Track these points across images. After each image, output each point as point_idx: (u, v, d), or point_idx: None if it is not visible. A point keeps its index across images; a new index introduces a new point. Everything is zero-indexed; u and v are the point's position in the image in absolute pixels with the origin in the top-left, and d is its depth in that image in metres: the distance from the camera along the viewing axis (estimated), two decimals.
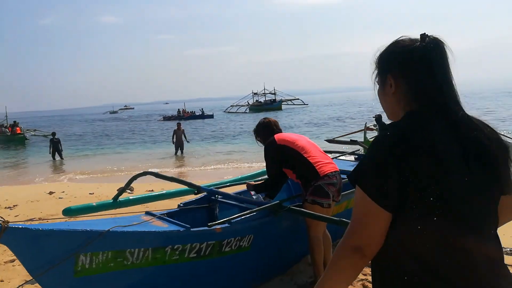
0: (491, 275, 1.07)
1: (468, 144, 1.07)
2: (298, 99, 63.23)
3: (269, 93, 63.50)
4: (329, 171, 3.22)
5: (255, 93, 64.15)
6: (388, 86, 1.20)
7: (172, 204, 5.88)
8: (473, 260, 1.05)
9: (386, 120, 14.00)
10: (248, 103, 62.15)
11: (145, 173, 4.06)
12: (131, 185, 4.77)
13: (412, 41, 1.17)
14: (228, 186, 4.33)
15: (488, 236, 1.10)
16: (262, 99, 62.26)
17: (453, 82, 1.16)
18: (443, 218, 1.03)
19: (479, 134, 1.10)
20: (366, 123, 13.21)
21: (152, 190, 8.02)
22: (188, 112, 51.84)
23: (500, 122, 21.87)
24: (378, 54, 1.24)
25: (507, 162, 1.13)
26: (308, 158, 3.23)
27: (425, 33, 1.17)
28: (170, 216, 3.21)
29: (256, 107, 57.83)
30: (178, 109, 53.24)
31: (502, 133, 13.84)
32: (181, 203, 3.58)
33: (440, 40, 1.16)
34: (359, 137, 14.36)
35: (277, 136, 3.44)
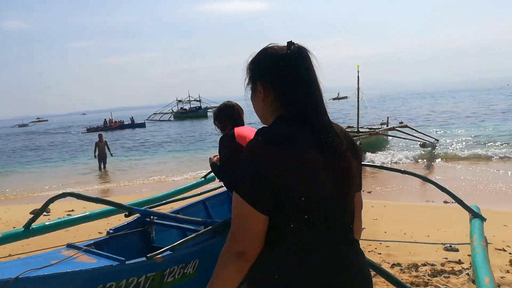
0: (352, 270, 1.19)
1: (328, 149, 1.17)
2: None
3: (194, 100, 62.66)
4: None
5: (180, 101, 62.91)
6: (258, 93, 1.25)
7: (100, 225, 5.27)
8: (336, 257, 1.17)
9: None
10: (172, 110, 60.71)
11: (64, 195, 3.48)
12: (48, 207, 4.14)
13: (279, 49, 1.22)
14: (164, 203, 3.89)
15: (350, 231, 1.23)
16: (187, 107, 61.21)
17: (319, 88, 1.22)
18: (312, 217, 1.13)
19: (338, 139, 1.20)
20: None
21: (73, 211, 7.21)
22: (115, 121, 48.86)
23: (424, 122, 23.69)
24: (249, 60, 1.27)
25: (359, 164, 1.28)
26: None
27: (291, 41, 1.21)
28: (98, 246, 2.71)
29: (181, 115, 56.69)
30: (105, 119, 49.71)
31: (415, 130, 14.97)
32: (111, 229, 3.07)
33: (305, 48, 1.21)
34: None
35: (237, 131, 2.88)
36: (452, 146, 15.02)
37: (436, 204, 7.14)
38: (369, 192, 8.51)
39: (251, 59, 1.27)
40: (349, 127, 15.93)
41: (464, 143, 15.45)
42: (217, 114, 3.18)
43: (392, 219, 5.78)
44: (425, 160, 12.86)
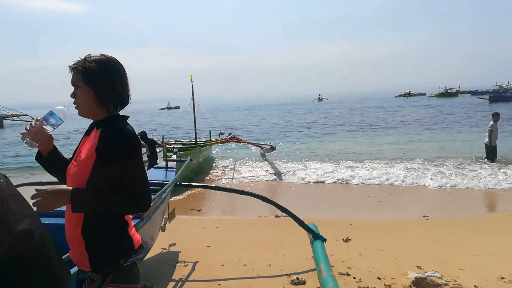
0: None
1: None
2: (26, 114, 53.67)
3: None
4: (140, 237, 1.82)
5: None
6: None
7: None
8: None
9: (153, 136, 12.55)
10: None
11: None
12: None
13: None
14: None
15: None
16: None
17: None
18: None
19: None
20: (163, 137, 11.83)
21: None
22: None
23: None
24: None
25: None
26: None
27: None
28: None
29: None
30: None
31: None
32: None
33: None
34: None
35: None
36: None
37: (268, 217, 6.85)
38: (199, 211, 7.77)
39: None
40: (177, 142, 14.44)
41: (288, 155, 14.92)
42: (94, 71, 1.71)
43: (228, 245, 5.09)
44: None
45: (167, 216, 4.73)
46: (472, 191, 8.73)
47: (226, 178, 11.30)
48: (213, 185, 7.73)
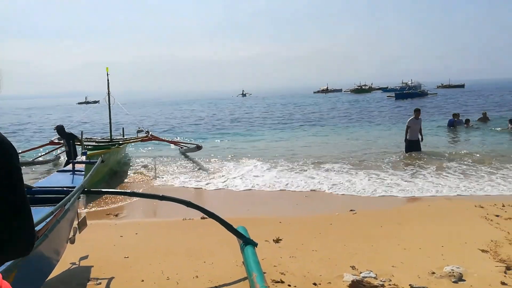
0: None
1: None
2: None
3: None
4: None
5: None
6: None
7: None
8: None
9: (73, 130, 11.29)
10: None
11: None
12: None
13: None
14: None
15: None
16: None
17: None
18: None
19: None
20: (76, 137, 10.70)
21: None
22: None
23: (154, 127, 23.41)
24: None
25: None
26: None
27: None
28: None
29: None
30: None
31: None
32: None
33: None
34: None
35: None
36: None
37: (194, 219, 6.39)
38: (116, 215, 7.05)
39: None
40: (88, 139, 13.08)
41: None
42: None
43: (149, 254, 4.56)
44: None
45: (76, 226, 4.11)
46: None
47: (146, 181, 10.28)
48: (129, 190, 6.97)
